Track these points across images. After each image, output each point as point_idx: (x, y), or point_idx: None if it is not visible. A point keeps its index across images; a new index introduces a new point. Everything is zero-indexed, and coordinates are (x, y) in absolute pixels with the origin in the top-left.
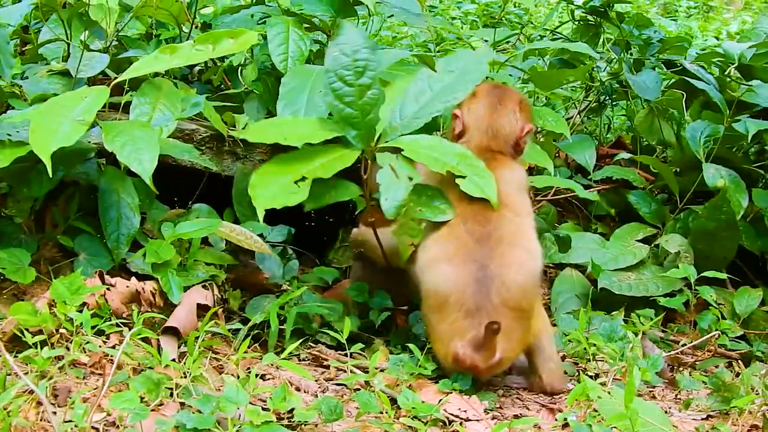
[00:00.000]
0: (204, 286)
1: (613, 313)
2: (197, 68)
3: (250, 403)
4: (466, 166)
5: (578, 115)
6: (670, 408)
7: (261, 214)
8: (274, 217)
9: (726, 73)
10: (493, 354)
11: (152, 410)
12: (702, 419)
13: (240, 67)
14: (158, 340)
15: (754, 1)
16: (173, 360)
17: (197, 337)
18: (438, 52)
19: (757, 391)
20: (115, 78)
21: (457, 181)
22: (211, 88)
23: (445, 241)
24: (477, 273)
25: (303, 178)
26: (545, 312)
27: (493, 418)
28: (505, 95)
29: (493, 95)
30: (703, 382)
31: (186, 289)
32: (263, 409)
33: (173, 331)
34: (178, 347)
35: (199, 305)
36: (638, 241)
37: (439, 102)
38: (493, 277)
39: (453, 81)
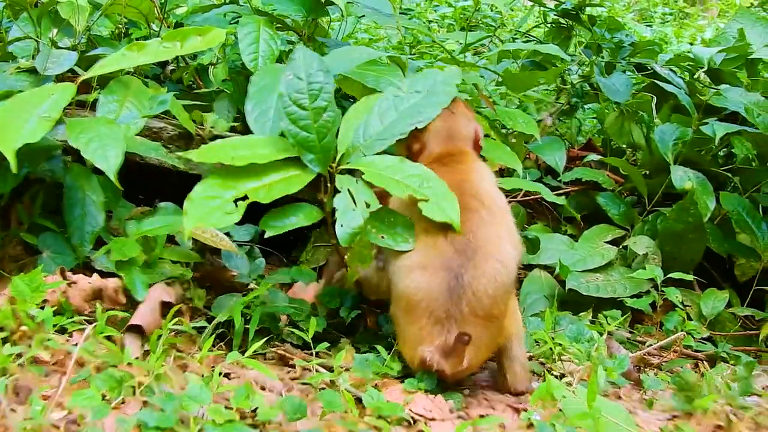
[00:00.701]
0: (168, 284)
1: (581, 314)
2: (169, 68)
3: (214, 401)
4: (428, 188)
5: (549, 118)
6: (634, 408)
7: (186, 235)
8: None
9: (695, 77)
10: (460, 362)
11: (114, 408)
12: (666, 419)
13: (210, 67)
14: (122, 337)
15: (730, 8)
16: (136, 358)
17: (161, 335)
18: (412, 54)
19: (719, 390)
20: (83, 75)
21: (420, 205)
22: (182, 88)
23: (425, 248)
24: (450, 282)
25: (245, 197)
26: (519, 312)
27: (459, 417)
28: (452, 102)
29: None
30: (668, 382)
31: (151, 286)
32: (226, 407)
33: (137, 329)
34: (142, 345)
35: (163, 303)
36: (607, 242)
37: (404, 123)
38: (465, 287)
39: (419, 101)
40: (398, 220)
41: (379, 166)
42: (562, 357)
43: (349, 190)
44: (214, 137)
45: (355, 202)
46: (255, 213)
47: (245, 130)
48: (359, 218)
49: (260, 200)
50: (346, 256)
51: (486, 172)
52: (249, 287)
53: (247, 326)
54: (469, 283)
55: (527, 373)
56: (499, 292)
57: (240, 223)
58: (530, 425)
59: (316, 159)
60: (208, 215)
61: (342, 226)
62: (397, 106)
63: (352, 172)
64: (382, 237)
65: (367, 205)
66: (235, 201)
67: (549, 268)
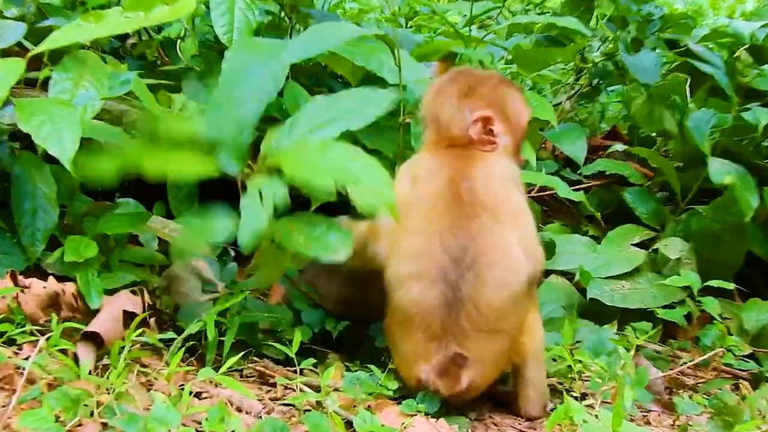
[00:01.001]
0: (133, 291)
1: (605, 326)
2: (130, 42)
3: (183, 424)
4: (359, 172)
5: (568, 102)
6: None
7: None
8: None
9: (735, 55)
10: (457, 383)
11: (69, 431)
12: None
13: (178, 41)
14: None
15: None
16: (92, 373)
17: (123, 348)
18: (409, 27)
19: (763, 415)
20: (33, 50)
21: (349, 190)
22: (145, 64)
23: (417, 257)
24: (448, 294)
25: None
26: (540, 329)
27: None
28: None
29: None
30: (704, 405)
31: (111, 293)
32: (197, 431)
33: (93, 338)
34: (101, 358)
35: (126, 312)
36: (634, 245)
37: (335, 126)
38: (465, 300)
39: (355, 107)
40: (330, 226)
41: (300, 153)
42: (582, 375)
43: (259, 190)
44: None
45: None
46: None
47: None
48: (262, 219)
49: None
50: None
51: (498, 166)
52: (218, 294)
53: (221, 338)
54: (469, 295)
55: (542, 397)
56: (507, 304)
57: None
58: None
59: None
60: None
61: (244, 227)
62: (330, 108)
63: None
64: (310, 246)
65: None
66: None
67: (567, 274)
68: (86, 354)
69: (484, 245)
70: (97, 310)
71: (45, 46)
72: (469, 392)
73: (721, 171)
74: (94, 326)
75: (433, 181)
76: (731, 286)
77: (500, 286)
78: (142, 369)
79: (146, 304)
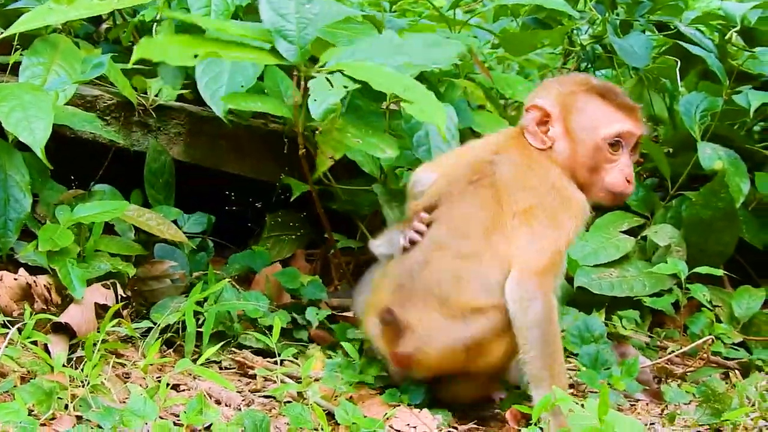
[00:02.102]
0: (105, 285)
1: (592, 315)
2: (104, 26)
3: (160, 417)
4: (414, 95)
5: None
6: (653, 423)
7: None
8: (189, 203)
9: (727, 38)
10: (394, 343)
11: (42, 424)
12: None
13: (154, 24)
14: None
15: None
16: (67, 365)
17: (99, 340)
18: (393, 12)
19: (753, 402)
20: (2, 33)
21: (403, 105)
22: (120, 49)
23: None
24: (416, 262)
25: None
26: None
27: None
28: None
29: None
30: (693, 394)
31: (88, 283)
32: (175, 424)
33: (65, 330)
34: (75, 350)
35: (98, 304)
36: (622, 232)
37: (396, 59)
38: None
39: (419, 49)
40: (378, 128)
41: (363, 66)
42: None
43: (326, 77)
44: (159, 107)
45: (332, 86)
46: (205, 200)
47: (195, 98)
48: (336, 96)
49: (223, 58)
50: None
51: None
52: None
53: (199, 329)
54: (429, 275)
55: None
56: (468, 296)
57: (190, 211)
58: None
59: (293, 49)
60: (163, 51)
61: (316, 101)
62: (395, 42)
63: None
64: (358, 141)
65: (345, 87)
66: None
67: None
68: (59, 346)
69: (467, 233)
70: (72, 300)
71: (15, 29)
72: (414, 366)
73: (711, 156)
74: (65, 318)
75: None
76: (720, 272)
77: (459, 276)
78: (118, 361)
79: (120, 296)
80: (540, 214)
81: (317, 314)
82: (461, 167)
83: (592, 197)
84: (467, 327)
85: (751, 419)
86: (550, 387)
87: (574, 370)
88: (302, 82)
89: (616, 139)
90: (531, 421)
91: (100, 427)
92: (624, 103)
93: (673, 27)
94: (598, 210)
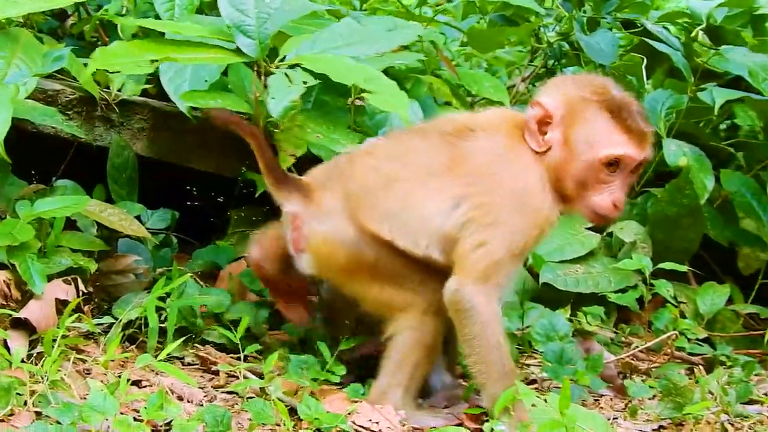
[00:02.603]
0: (66, 281)
1: (557, 311)
2: (69, 21)
3: (120, 412)
4: (376, 85)
5: (522, 83)
6: (616, 418)
7: (87, 75)
8: (152, 199)
9: (692, 35)
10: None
11: (1, 420)
12: (652, 429)
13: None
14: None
15: None
16: (26, 361)
17: (59, 335)
18: (363, 10)
19: (715, 396)
20: None
21: (365, 95)
22: (83, 44)
23: None
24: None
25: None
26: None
27: (411, 429)
28: None
29: None
30: (656, 388)
31: (49, 279)
32: (135, 419)
33: (24, 325)
34: (35, 346)
35: (59, 300)
36: (588, 228)
37: (359, 48)
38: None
39: (379, 35)
40: (341, 123)
41: (324, 60)
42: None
43: (285, 73)
44: (122, 102)
45: (291, 82)
46: (168, 197)
47: (159, 93)
48: (295, 93)
49: (180, 61)
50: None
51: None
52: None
53: (162, 325)
54: (352, 174)
55: (395, 388)
56: (375, 218)
57: (154, 206)
58: None
59: (253, 44)
60: (118, 63)
61: (274, 99)
62: (352, 32)
63: None
64: (318, 137)
65: (305, 83)
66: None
67: None
68: (18, 341)
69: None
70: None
71: None
72: (305, 247)
73: (676, 153)
74: (24, 313)
75: None
76: (684, 268)
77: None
78: (79, 357)
79: (81, 291)
80: (496, 214)
81: (257, 313)
82: (443, 120)
83: (574, 211)
84: (359, 243)
85: (713, 413)
86: (495, 389)
87: (539, 366)
88: (263, 78)
89: (615, 161)
90: (489, 418)
91: (59, 423)
92: (633, 126)
93: (639, 25)
94: None
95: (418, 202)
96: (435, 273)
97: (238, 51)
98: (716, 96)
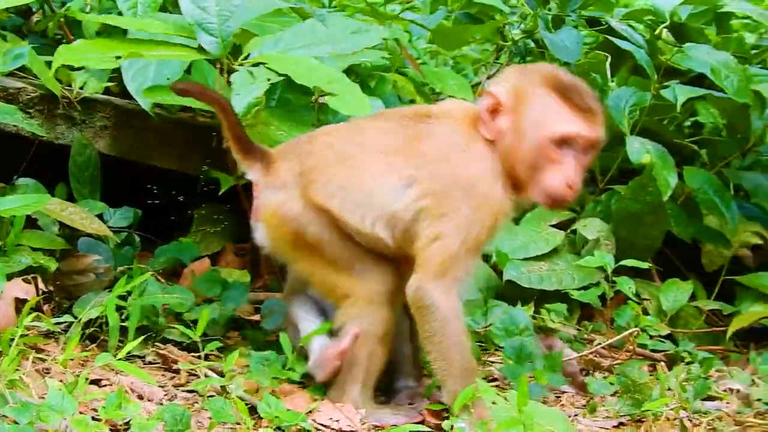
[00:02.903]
0: (26, 280)
1: (519, 308)
2: (34, 18)
3: (79, 412)
4: (338, 87)
5: (488, 80)
6: (576, 415)
7: (50, 74)
8: (114, 197)
9: (656, 33)
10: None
11: None
12: (612, 426)
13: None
14: None
15: None
16: None
17: (18, 334)
18: (332, 7)
19: (675, 393)
20: None
21: (327, 98)
22: (48, 42)
23: None
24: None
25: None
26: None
27: (372, 428)
28: None
29: None
30: (615, 384)
31: (9, 278)
32: (94, 419)
33: None
34: None
35: (18, 299)
36: (552, 226)
37: (322, 48)
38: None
39: (343, 36)
40: (304, 121)
41: (287, 59)
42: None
43: (249, 71)
44: (84, 100)
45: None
46: (130, 195)
47: (122, 91)
48: (258, 90)
49: (144, 58)
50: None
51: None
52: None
53: (124, 324)
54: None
55: (351, 384)
56: (323, 192)
57: (116, 205)
58: None
59: (215, 42)
60: (82, 59)
61: (239, 95)
62: (315, 33)
63: None
64: (282, 134)
65: (268, 80)
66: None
67: (483, 256)
68: None
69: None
70: None
71: None
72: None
73: (639, 150)
74: None
75: None
76: (646, 265)
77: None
78: (38, 356)
79: (41, 290)
80: (448, 205)
81: (221, 313)
82: (405, 107)
83: (531, 198)
84: (306, 219)
85: (672, 409)
86: (455, 386)
87: (500, 363)
88: (226, 75)
89: (563, 139)
90: (448, 414)
91: (17, 423)
92: (583, 105)
93: (604, 22)
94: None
95: (369, 177)
96: (382, 261)
97: (200, 49)
98: (679, 93)
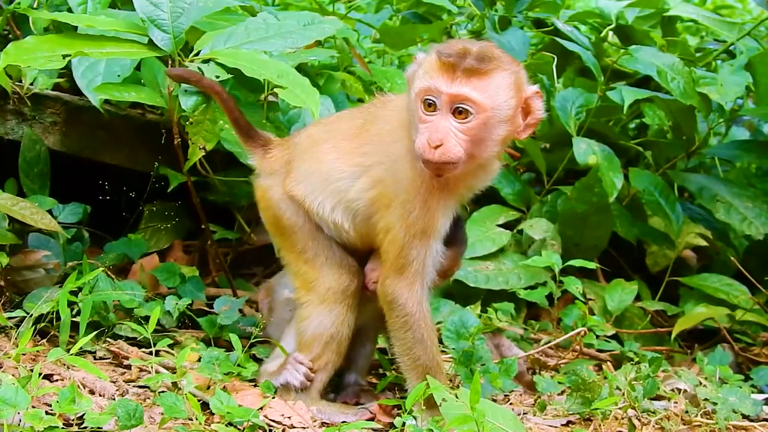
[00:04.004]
0: None
1: (467, 307)
2: None
3: (32, 406)
4: (288, 80)
5: None
6: (525, 413)
7: None
8: (64, 193)
9: (602, 35)
10: None
11: None
12: (561, 424)
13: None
14: None
15: None
16: None
17: None
18: (276, 5)
19: (623, 392)
20: None
21: (276, 90)
22: None
23: None
24: None
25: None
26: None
27: (322, 425)
28: None
29: None
30: (564, 384)
31: None
32: (47, 413)
33: None
34: None
35: None
36: (499, 225)
37: (271, 43)
38: None
39: (293, 30)
40: (253, 119)
41: (237, 54)
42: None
43: (198, 67)
44: (34, 96)
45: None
46: (80, 190)
47: (72, 87)
48: None
49: (92, 56)
50: (189, 129)
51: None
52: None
53: (74, 319)
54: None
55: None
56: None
57: (66, 201)
58: (404, 430)
59: (167, 38)
60: (31, 58)
61: (186, 91)
62: (268, 27)
63: None
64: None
65: (217, 77)
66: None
67: None
68: None
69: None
70: None
71: None
72: None
73: (586, 151)
74: None
75: None
76: (593, 265)
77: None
78: None
79: None
80: (389, 194)
81: (177, 305)
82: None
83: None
84: (283, 205)
85: (620, 408)
86: (416, 382)
87: (451, 361)
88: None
89: (426, 96)
90: (402, 411)
91: None
92: (446, 61)
93: (550, 24)
94: (475, 204)
95: (328, 163)
96: (346, 260)
97: (151, 45)
98: (625, 95)
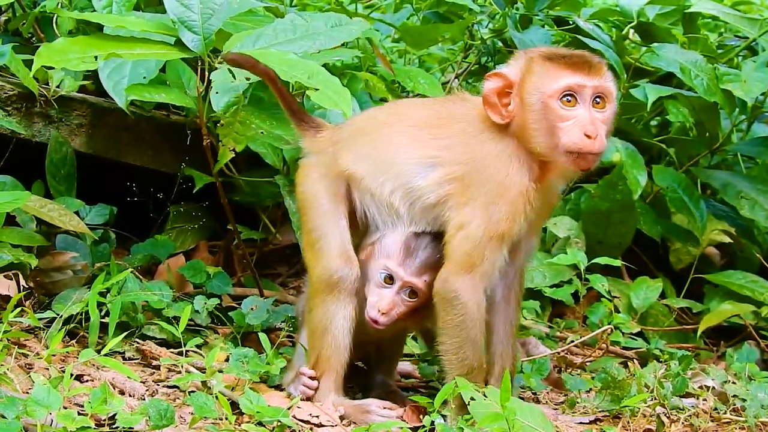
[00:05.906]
0: (8, 276)
1: None
2: (3, 17)
3: (64, 406)
4: (318, 81)
5: (456, 80)
6: (554, 410)
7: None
8: (90, 195)
9: (624, 33)
10: None
11: None
12: (590, 421)
13: (55, 15)
14: None
15: None
16: None
17: (1, 330)
18: (293, 6)
19: (651, 389)
20: None
21: (308, 93)
22: (20, 41)
23: None
24: None
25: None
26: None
27: (350, 423)
28: None
29: None
30: (592, 380)
31: None
32: (79, 413)
33: None
34: None
35: (0, 295)
36: None
37: (298, 44)
38: None
39: (321, 32)
40: (280, 119)
41: (268, 55)
42: None
43: (228, 69)
44: (61, 98)
45: (234, 77)
46: (107, 191)
47: (98, 89)
48: (238, 88)
49: (124, 57)
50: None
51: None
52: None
53: (102, 320)
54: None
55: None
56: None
57: (92, 202)
58: (433, 430)
59: (198, 40)
60: (63, 59)
61: (218, 93)
62: (296, 28)
63: None
64: (262, 132)
65: (247, 80)
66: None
67: None
68: None
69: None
70: None
71: None
72: None
73: (609, 149)
74: None
75: None
76: (618, 263)
77: None
78: (21, 351)
79: (22, 286)
80: (471, 193)
81: (206, 304)
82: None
83: (559, 166)
84: (311, 184)
85: (649, 405)
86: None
87: None
88: (207, 73)
89: (566, 93)
90: (431, 410)
91: (4, 417)
92: (573, 60)
93: (571, 22)
94: None
95: (397, 147)
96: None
97: (180, 46)
98: (649, 92)
